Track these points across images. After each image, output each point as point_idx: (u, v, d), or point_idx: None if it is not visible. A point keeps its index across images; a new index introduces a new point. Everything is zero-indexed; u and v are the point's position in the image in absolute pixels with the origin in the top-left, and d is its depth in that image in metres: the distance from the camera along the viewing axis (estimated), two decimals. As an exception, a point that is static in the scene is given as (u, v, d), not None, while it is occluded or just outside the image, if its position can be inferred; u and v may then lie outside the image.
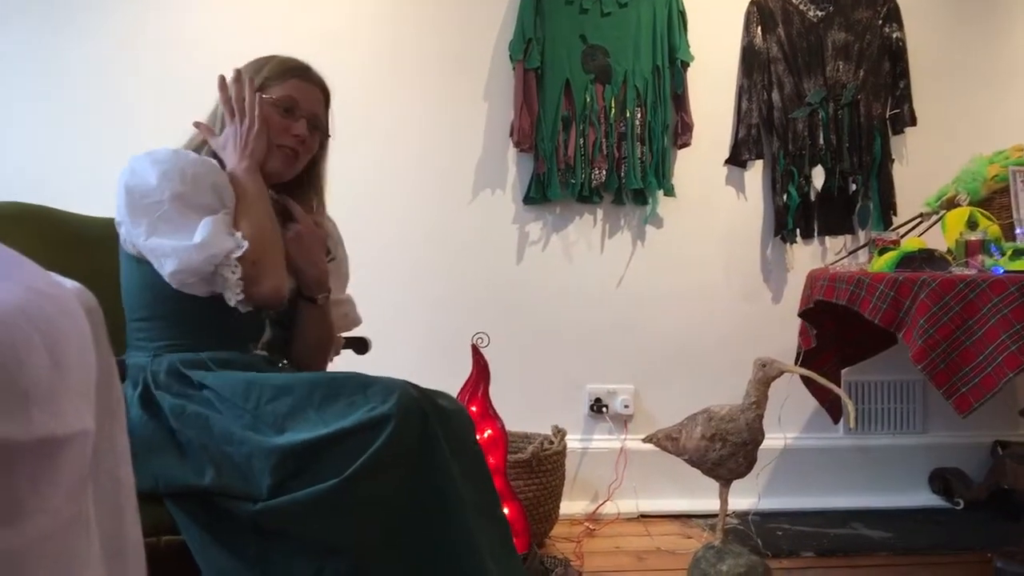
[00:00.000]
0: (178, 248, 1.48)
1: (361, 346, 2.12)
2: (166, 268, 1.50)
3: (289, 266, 1.70)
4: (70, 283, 0.58)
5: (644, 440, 2.45)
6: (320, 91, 1.76)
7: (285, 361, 1.75)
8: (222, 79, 1.67)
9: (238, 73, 1.67)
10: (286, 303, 1.69)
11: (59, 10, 2.93)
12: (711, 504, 2.71)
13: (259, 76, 1.69)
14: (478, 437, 1.74)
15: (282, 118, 1.68)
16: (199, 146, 1.69)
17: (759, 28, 3.13)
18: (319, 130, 1.76)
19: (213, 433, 1.37)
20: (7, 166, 2.88)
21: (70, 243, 1.83)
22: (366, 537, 1.27)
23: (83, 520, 0.51)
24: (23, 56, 2.92)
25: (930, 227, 2.80)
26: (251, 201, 1.60)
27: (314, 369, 1.84)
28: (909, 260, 2.37)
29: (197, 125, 1.70)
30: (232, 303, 1.54)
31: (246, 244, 1.53)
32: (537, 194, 3.03)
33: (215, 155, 1.66)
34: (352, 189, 2.98)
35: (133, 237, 1.54)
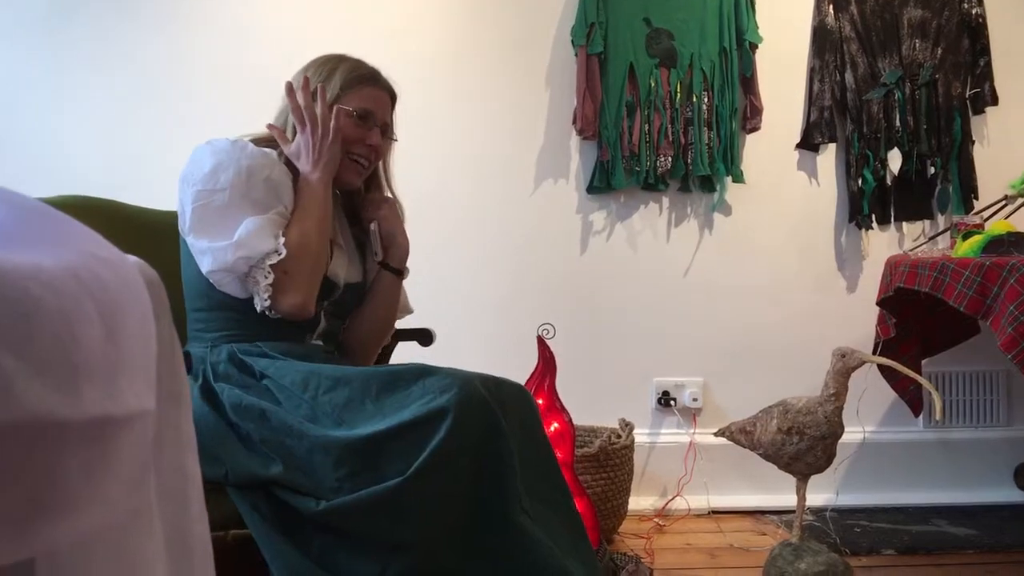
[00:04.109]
0: (214, 248, 1.49)
1: (425, 338, 2.09)
2: (203, 267, 1.52)
3: (383, 234, 1.80)
4: (132, 257, 0.54)
5: (716, 434, 2.37)
6: (389, 96, 1.78)
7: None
8: (290, 85, 1.66)
9: (307, 80, 1.64)
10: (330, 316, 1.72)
11: (126, 0, 2.95)
12: (784, 500, 2.64)
13: (331, 84, 1.68)
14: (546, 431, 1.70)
15: (357, 128, 1.69)
16: (264, 142, 1.67)
17: (831, 6, 3.01)
18: (387, 136, 1.79)
19: (272, 425, 1.36)
20: (75, 159, 2.91)
21: (139, 236, 1.83)
22: (430, 533, 1.25)
23: (145, 514, 0.47)
24: (90, 48, 2.93)
25: (1015, 210, 2.67)
26: (311, 210, 1.60)
27: (368, 351, 1.86)
28: (996, 244, 2.25)
29: (271, 127, 1.69)
30: (259, 308, 1.54)
31: (284, 252, 1.52)
32: (601, 183, 2.96)
33: (286, 159, 1.66)
34: (416, 182, 2.95)
35: (182, 226, 1.56)
